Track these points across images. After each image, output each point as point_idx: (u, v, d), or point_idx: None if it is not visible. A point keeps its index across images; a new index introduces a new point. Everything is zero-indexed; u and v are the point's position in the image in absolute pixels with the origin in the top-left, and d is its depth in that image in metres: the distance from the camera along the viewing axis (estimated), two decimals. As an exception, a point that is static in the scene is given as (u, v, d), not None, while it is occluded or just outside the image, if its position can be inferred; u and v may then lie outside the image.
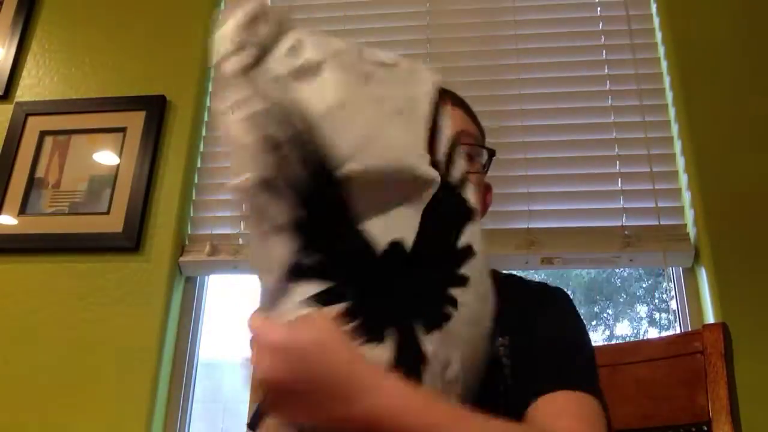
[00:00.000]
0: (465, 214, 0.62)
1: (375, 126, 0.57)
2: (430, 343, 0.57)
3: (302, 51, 0.57)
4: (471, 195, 0.63)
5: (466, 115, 0.90)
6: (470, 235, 0.61)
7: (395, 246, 0.57)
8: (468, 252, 0.61)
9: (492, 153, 0.88)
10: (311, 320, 0.54)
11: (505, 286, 0.83)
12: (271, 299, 0.57)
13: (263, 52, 0.57)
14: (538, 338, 0.73)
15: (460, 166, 0.63)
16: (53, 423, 1.45)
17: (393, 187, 0.57)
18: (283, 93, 0.55)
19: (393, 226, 0.57)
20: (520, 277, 0.88)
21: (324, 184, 0.55)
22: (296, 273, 0.55)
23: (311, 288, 0.55)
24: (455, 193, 0.61)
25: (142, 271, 1.57)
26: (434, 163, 0.60)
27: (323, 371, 0.53)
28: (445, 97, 0.71)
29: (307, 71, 0.56)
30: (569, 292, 0.85)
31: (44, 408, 1.46)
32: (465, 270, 0.60)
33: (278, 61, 0.56)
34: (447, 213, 0.60)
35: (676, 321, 1.53)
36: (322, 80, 0.56)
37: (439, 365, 0.57)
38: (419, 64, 0.68)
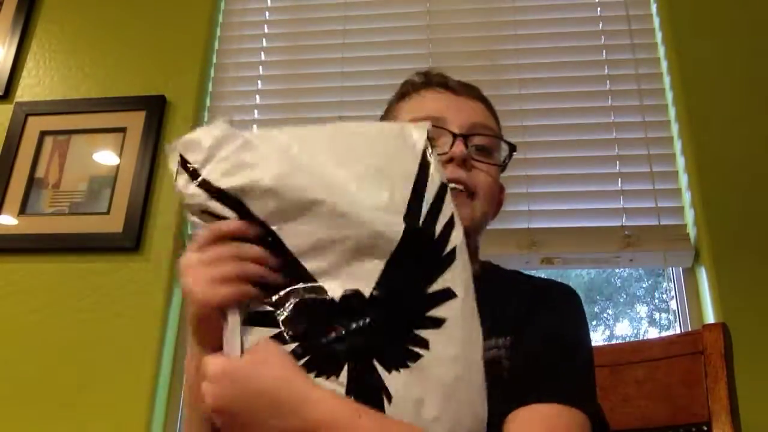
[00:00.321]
0: (443, 262, 0.63)
1: (329, 185, 0.62)
2: (393, 381, 0.59)
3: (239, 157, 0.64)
4: (456, 236, 0.64)
5: (486, 109, 0.88)
6: (449, 280, 0.62)
7: (351, 295, 0.60)
8: (443, 295, 0.62)
9: (513, 148, 0.87)
10: (252, 348, 0.59)
11: (509, 282, 0.82)
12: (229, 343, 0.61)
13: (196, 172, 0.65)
14: (533, 342, 0.72)
15: (445, 216, 0.64)
16: (53, 423, 1.45)
17: (352, 243, 0.61)
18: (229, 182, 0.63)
19: (352, 278, 0.61)
20: (527, 275, 0.87)
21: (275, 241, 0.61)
22: (251, 320, 0.60)
23: (264, 332, 0.60)
24: (433, 241, 0.63)
25: (142, 271, 1.57)
26: (413, 215, 0.62)
27: (256, 389, 0.57)
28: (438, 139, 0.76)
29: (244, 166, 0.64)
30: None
31: (44, 408, 1.46)
32: (439, 312, 0.61)
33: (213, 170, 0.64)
34: (417, 263, 0.62)
35: (676, 321, 1.53)
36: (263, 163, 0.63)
37: (411, 404, 0.58)
38: (407, 125, 0.71)
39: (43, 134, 1.73)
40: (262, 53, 1.83)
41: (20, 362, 1.51)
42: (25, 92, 1.81)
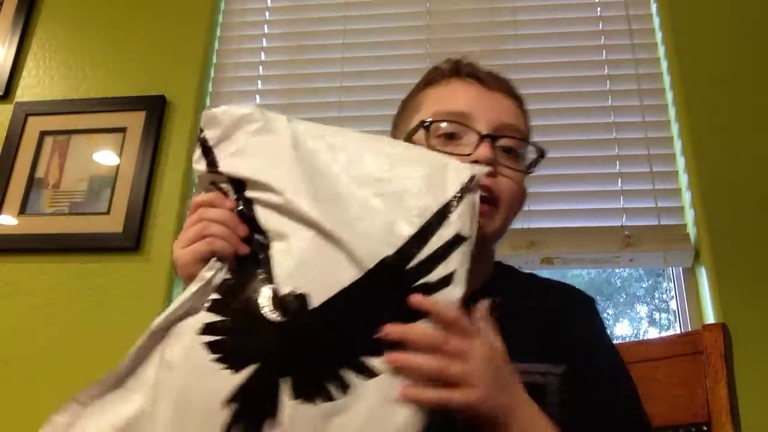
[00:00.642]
0: (411, 314, 0.56)
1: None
2: (289, 409, 0.52)
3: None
4: (450, 293, 0.57)
5: (517, 108, 0.82)
6: (391, 331, 0.55)
7: (296, 297, 0.56)
8: (378, 346, 0.54)
9: (541, 153, 0.81)
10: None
11: (529, 292, 0.81)
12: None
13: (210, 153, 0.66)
14: (593, 372, 0.72)
15: (445, 269, 0.58)
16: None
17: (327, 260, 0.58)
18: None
19: (305, 282, 0.57)
20: (542, 281, 0.85)
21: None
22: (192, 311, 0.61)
23: (201, 319, 0.59)
24: (411, 289, 0.56)
25: (142, 271, 1.57)
26: (404, 254, 0.57)
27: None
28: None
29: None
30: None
31: (44, 408, 1.46)
32: (377, 363, 0.54)
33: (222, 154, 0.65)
34: (382, 302, 0.56)
35: (676, 321, 1.53)
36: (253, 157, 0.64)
37: None
38: (453, 162, 0.66)
39: (43, 134, 1.73)
40: (262, 53, 1.83)
41: (20, 362, 1.51)
42: (25, 92, 1.81)
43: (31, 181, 1.68)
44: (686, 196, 1.52)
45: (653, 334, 2.27)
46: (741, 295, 1.38)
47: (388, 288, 0.57)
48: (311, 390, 0.53)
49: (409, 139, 0.78)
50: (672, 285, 1.57)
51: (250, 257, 0.61)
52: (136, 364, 0.67)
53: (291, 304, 0.56)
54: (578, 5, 1.77)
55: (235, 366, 0.54)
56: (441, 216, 0.59)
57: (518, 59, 1.71)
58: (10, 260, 1.62)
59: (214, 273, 0.61)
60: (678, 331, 1.50)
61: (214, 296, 0.60)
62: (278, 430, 0.52)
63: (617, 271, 2.21)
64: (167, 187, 1.64)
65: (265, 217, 0.62)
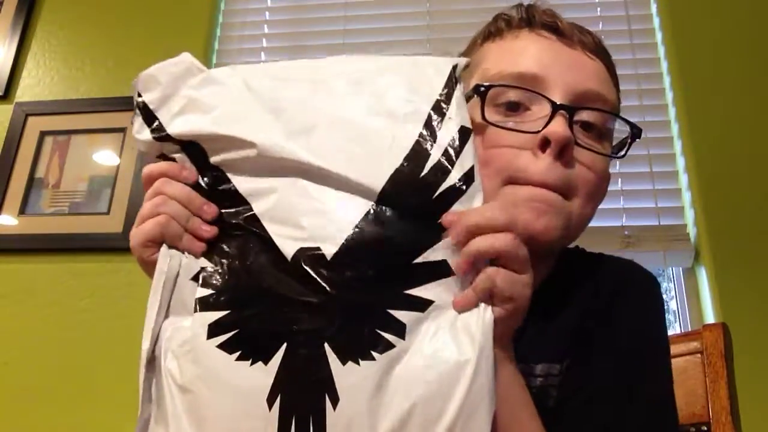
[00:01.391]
0: (430, 228, 0.49)
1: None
2: (346, 376, 0.45)
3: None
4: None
5: (607, 71, 0.64)
6: (447, 252, 0.48)
7: (308, 254, 0.48)
8: (435, 270, 0.48)
9: (637, 132, 0.64)
10: None
11: (578, 278, 0.64)
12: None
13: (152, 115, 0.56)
14: (599, 362, 0.58)
15: (461, 169, 0.50)
16: (53, 423, 1.45)
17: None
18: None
19: (315, 236, 0.49)
20: (601, 257, 0.69)
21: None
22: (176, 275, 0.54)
23: (199, 324, 0.51)
24: (433, 200, 0.49)
25: (142, 271, 1.56)
26: (412, 163, 0.50)
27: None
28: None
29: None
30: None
31: (44, 408, 1.46)
32: (427, 292, 0.48)
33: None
34: (406, 224, 0.49)
35: (676, 321, 1.53)
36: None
37: (365, 413, 0.45)
38: (430, 58, 0.59)
39: (43, 134, 1.73)
40: (262, 53, 1.83)
41: (20, 362, 1.51)
42: (25, 92, 1.81)
43: (31, 181, 1.68)
44: (686, 196, 1.52)
45: (653, 334, 2.27)
46: (741, 295, 1.38)
47: (408, 205, 0.49)
48: (362, 346, 0.46)
49: (482, 96, 0.62)
50: (672, 285, 1.57)
51: (230, 234, 0.52)
52: (150, 400, 0.58)
53: (305, 262, 0.48)
54: (578, 5, 1.77)
55: (262, 356, 0.47)
56: (438, 114, 0.52)
57: (518, 59, 1.71)
58: (10, 260, 1.62)
59: (169, 261, 0.53)
60: (678, 331, 1.50)
61: (202, 292, 0.51)
62: (340, 407, 0.45)
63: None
64: (167, 187, 1.64)
65: (238, 181, 0.53)
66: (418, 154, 0.50)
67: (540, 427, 0.52)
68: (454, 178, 0.49)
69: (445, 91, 0.53)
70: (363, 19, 1.83)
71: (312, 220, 0.49)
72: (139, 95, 0.57)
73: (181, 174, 0.53)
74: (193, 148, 0.54)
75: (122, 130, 1.70)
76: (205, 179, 0.54)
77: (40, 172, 1.69)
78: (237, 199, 0.53)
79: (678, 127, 1.57)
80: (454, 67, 0.55)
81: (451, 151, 0.50)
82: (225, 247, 0.52)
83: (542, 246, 0.57)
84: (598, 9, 1.75)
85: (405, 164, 0.50)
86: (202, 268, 0.52)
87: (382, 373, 0.45)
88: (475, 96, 0.60)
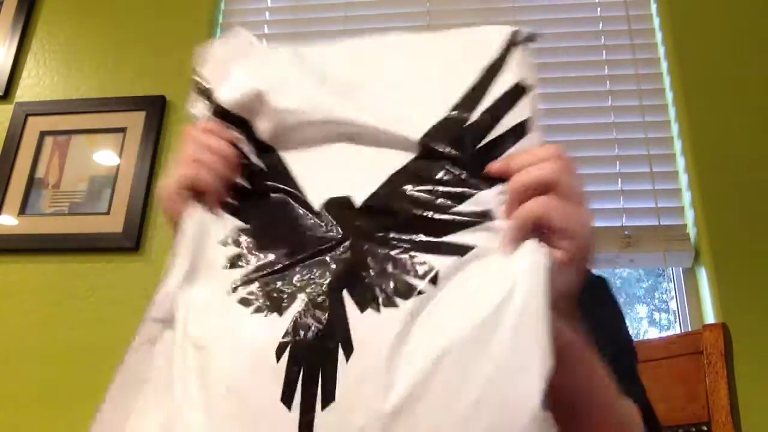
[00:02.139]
0: (473, 185, 0.46)
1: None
2: (363, 324, 0.42)
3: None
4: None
5: None
6: (491, 199, 0.45)
7: (337, 202, 0.47)
8: (478, 214, 0.45)
9: None
10: None
11: None
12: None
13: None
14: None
15: (513, 119, 0.48)
16: (53, 423, 1.45)
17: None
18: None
19: (345, 185, 0.48)
20: None
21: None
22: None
23: (225, 280, 0.49)
24: (485, 146, 0.47)
25: (142, 271, 1.57)
26: (460, 110, 0.48)
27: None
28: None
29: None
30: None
31: (44, 408, 1.46)
32: (466, 237, 0.44)
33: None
34: (450, 166, 0.47)
35: (676, 321, 1.53)
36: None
37: (382, 366, 0.40)
38: (484, 27, 0.55)
39: (43, 134, 1.73)
40: (262, 53, 1.83)
41: (20, 363, 1.51)
42: (25, 92, 1.81)
43: (31, 181, 1.68)
44: (686, 196, 1.52)
45: (653, 334, 2.27)
46: (741, 295, 1.38)
47: (450, 155, 0.46)
48: (385, 293, 0.43)
49: None
50: (672, 285, 1.57)
51: (263, 195, 0.52)
52: (145, 358, 0.54)
53: (329, 211, 0.47)
54: (578, 5, 1.76)
55: (277, 308, 0.44)
56: (493, 69, 0.49)
57: (518, 59, 1.71)
58: (10, 260, 1.62)
59: (195, 221, 0.52)
60: (678, 331, 1.50)
61: (228, 252, 0.50)
62: (353, 359, 0.41)
63: (617, 271, 2.21)
64: (167, 187, 1.64)
65: (281, 152, 0.53)
66: (464, 106, 0.48)
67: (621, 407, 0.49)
68: (500, 129, 0.47)
69: (502, 51, 0.51)
70: (363, 20, 1.83)
71: (346, 175, 0.48)
72: (196, 71, 0.57)
73: (224, 132, 0.53)
74: (242, 125, 0.54)
75: (122, 130, 1.70)
76: (247, 149, 0.53)
77: (40, 172, 1.70)
78: (275, 163, 0.52)
79: (678, 127, 1.57)
80: (514, 33, 0.54)
81: (502, 104, 0.48)
82: (256, 207, 0.51)
83: None
84: (598, 9, 1.75)
85: (449, 115, 0.48)
86: (231, 230, 0.51)
87: (406, 321, 0.41)
88: None
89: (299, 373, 0.42)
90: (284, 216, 0.49)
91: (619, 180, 1.56)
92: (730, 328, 0.85)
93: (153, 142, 1.66)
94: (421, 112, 0.48)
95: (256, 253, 0.49)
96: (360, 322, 0.42)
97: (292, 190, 0.50)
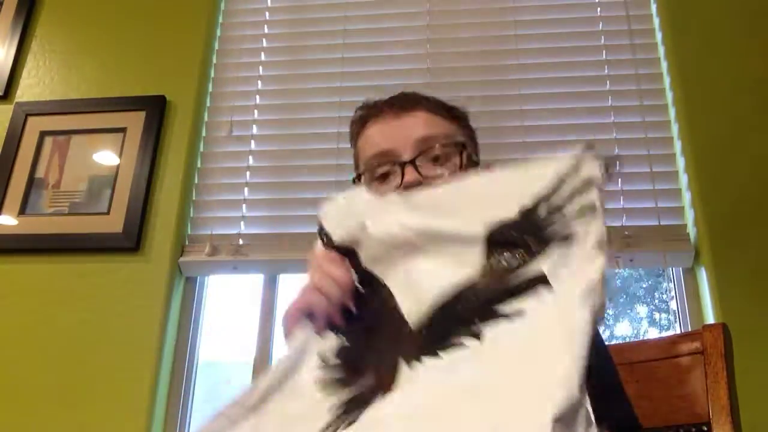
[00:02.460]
0: (547, 241, 0.55)
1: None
2: (407, 374, 0.52)
3: None
4: (593, 228, 0.54)
5: (429, 114, 0.84)
6: (531, 273, 0.54)
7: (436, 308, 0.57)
8: (531, 282, 0.52)
9: (461, 146, 0.82)
10: None
11: None
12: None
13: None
14: None
15: (579, 202, 0.56)
16: (53, 423, 1.45)
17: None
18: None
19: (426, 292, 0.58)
20: None
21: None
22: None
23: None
24: (544, 220, 0.56)
25: (142, 271, 1.57)
26: (536, 206, 0.57)
27: None
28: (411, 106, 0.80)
29: None
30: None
31: (44, 408, 1.46)
32: (519, 303, 0.52)
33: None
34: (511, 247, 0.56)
35: (676, 321, 1.53)
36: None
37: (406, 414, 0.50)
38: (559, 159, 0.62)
39: (43, 134, 1.73)
40: (262, 53, 1.83)
41: (20, 362, 1.51)
42: (25, 92, 1.81)
43: (31, 181, 1.68)
44: (686, 197, 1.52)
45: (653, 334, 2.27)
46: (741, 295, 1.38)
47: (514, 241, 0.55)
48: (431, 350, 0.52)
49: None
50: (672, 285, 1.57)
51: (363, 313, 0.63)
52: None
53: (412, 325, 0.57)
54: (578, 5, 1.77)
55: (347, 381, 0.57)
56: (566, 175, 0.57)
57: (518, 59, 1.71)
58: (10, 260, 1.62)
59: (304, 336, 0.62)
60: (678, 331, 1.50)
61: (334, 361, 0.61)
62: (389, 394, 0.51)
63: (617, 271, 2.21)
64: (167, 187, 1.64)
65: (378, 272, 0.64)
66: (533, 207, 0.57)
67: None
68: (571, 210, 0.55)
69: (573, 164, 0.58)
70: (363, 20, 1.83)
71: (431, 282, 0.58)
72: (319, 224, 0.70)
73: (342, 262, 0.65)
74: (351, 255, 0.66)
75: (122, 130, 1.70)
76: (356, 276, 0.65)
77: (40, 172, 1.70)
78: (375, 287, 0.63)
79: (678, 127, 1.57)
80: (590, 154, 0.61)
81: (575, 192, 0.56)
82: (358, 327, 0.62)
83: None
84: (598, 9, 1.75)
85: (520, 211, 0.57)
86: (331, 349, 0.61)
87: (447, 370, 0.49)
88: (359, 182, 0.83)
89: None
90: (380, 335, 0.59)
91: (619, 180, 1.56)
92: (730, 328, 0.85)
93: (153, 142, 1.66)
94: (492, 215, 0.58)
95: (349, 377, 0.58)
96: (405, 373, 0.53)
97: (389, 308, 0.60)
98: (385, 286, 0.62)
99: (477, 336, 0.51)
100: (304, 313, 0.64)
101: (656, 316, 2.27)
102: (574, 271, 0.52)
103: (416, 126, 0.82)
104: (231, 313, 1.78)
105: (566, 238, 0.54)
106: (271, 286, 1.63)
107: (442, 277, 0.57)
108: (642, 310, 2.32)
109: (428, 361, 0.51)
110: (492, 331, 0.51)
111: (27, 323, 1.55)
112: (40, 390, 1.48)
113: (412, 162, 0.78)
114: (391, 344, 0.57)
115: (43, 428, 1.45)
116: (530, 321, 0.50)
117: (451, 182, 0.67)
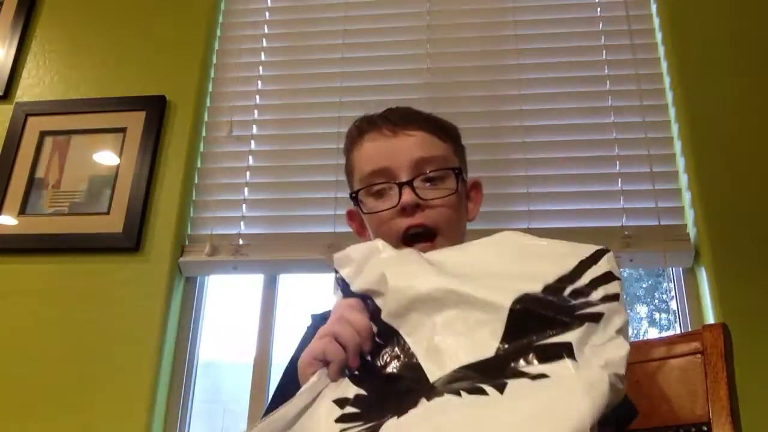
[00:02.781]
0: (572, 320, 0.58)
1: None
2: (426, 406, 0.54)
3: None
4: (614, 312, 0.59)
5: (428, 134, 0.86)
6: (556, 342, 0.56)
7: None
8: (554, 350, 0.55)
9: (458, 171, 0.85)
10: None
11: None
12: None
13: None
14: None
15: (602, 291, 0.60)
16: (53, 423, 1.45)
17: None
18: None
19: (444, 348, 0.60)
20: None
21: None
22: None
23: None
24: (570, 306, 0.59)
25: (142, 271, 1.57)
26: (555, 285, 0.60)
27: None
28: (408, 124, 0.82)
29: None
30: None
31: (44, 408, 1.46)
32: (541, 369, 0.54)
33: None
34: (534, 326, 0.58)
35: (676, 321, 1.53)
36: None
37: None
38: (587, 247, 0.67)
39: (43, 134, 1.73)
40: (262, 53, 1.83)
41: (20, 362, 1.51)
42: (25, 92, 1.81)
43: (31, 181, 1.68)
44: (686, 197, 1.52)
45: (653, 334, 2.27)
46: (741, 295, 1.38)
47: (537, 315, 0.58)
48: (454, 389, 0.54)
49: (356, 203, 0.87)
50: (672, 285, 1.57)
51: (382, 363, 0.63)
52: None
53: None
54: (578, 5, 1.77)
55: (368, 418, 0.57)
56: (586, 264, 0.62)
57: (518, 59, 1.71)
58: (10, 260, 1.62)
59: (317, 381, 0.63)
60: (678, 331, 1.50)
61: (351, 410, 0.61)
62: (401, 416, 0.54)
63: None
64: (167, 187, 1.64)
65: (397, 324, 0.64)
66: (558, 284, 0.60)
67: None
68: (594, 297, 0.59)
69: (594, 254, 0.64)
70: (363, 20, 1.83)
71: (452, 340, 0.60)
72: (336, 271, 0.71)
73: (363, 310, 0.66)
74: (370, 303, 0.67)
75: (122, 130, 1.70)
76: (375, 328, 0.65)
77: (40, 172, 1.70)
78: (393, 337, 0.64)
79: (678, 127, 1.57)
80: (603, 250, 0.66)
81: (596, 282, 0.61)
82: (373, 377, 0.62)
83: None
84: (598, 9, 1.75)
85: (544, 287, 0.60)
86: (343, 397, 0.61)
87: (464, 404, 0.52)
88: (356, 199, 0.87)
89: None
90: (399, 384, 0.60)
91: (619, 180, 1.56)
92: (730, 328, 0.85)
93: (153, 142, 1.67)
94: (518, 287, 0.60)
95: (367, 424, 0.58)
96: (424, 405, 0.54)
97: (410, 361, 0.60)
98: (405, 342, 0.63)
99: (499, 388, 0.53)
100: (320, 360, 0.64)
101: (656, 316, 2.28)
102: (598, 349, 0.56)
103: (413, 146, 0.84)
104: (231, 313, 1.78)
105: (591, 319, 0.57)
106: (270, 286, 1.63)
107: (466, 348, 0.59)
108: (642, 310, 2.32)
109: (448, 396, 0.54)
110: (514, 384, 0.53)
111: (27, 323, 1.55)
112: (40, 390, 1.48)
113: (410, 183, 0.82)
114: (410, 392, 0.58)
115: (43, 428, 1.45)
116: (553, 384, 0.53)
117: (473, 247, 0.69)
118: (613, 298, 0.60)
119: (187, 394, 1.55)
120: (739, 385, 0.82)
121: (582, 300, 0.59)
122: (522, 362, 0.55)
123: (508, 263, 0.65)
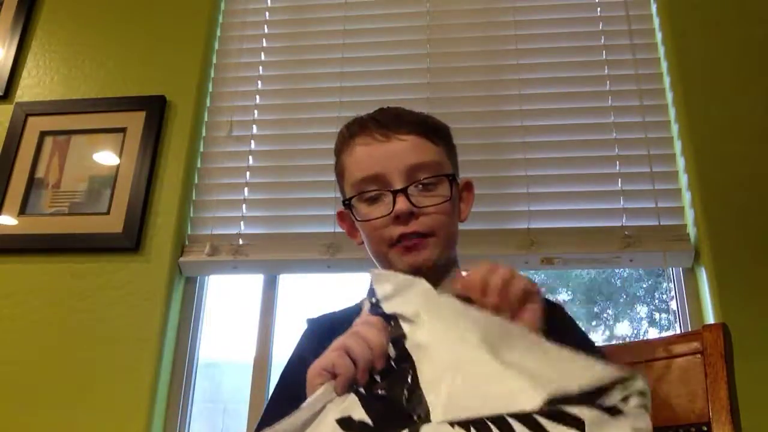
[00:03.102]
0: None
1: None
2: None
3: None
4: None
5: (420, 138, 0.85)
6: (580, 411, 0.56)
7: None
8: (568, 418, 0.55)
9: (451, 177, 0.85)
10: None
11: None
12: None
13: None
14: None
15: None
16: (53, 423, 1.45)
17: None
18: None
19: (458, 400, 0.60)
20: None
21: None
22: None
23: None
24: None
25: (142, 271, 1.57)
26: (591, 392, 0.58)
27: None
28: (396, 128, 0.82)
29: None
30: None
31: (44, 408, 1.46)
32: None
33: None
34: None
35: (676, 321, 1.53)
36: None
37: None
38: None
39: (43, 134, 1.73)
40: (262, 53, 1.83)
41: (20, 362, 1.51)
42: (25, 92, 1.81)
43: (31, 181, 1.68)
44: (686, 197, 1.52)
45: (653, 334, 2.27)
46: (741, 295, 1.38)
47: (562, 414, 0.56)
48: (466, 426, 0.55)
49: (348, 208, 0.87)
50: (672, 285, 1.57)
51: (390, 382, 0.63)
52: None
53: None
54: (578, 5, 1.77)
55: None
56: (618, 381, 0.59)
57: (518, 59, 1.71)
58: (10, 260, 1.62)
59: (322, 393, 0.62)
60: (678, 331, 1.50)
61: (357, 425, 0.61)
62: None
63: (617, 271, 2.21)
64: (167, 187, 1.64)
65: (410, 346, 0.65)
66: (591, 393, 0.58)
67: None
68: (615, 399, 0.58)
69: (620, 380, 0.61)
70: (363, 20, 1.83)
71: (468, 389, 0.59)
72: (371, 284, 0.71)
73: (382, 329, 0.65)
74: (394, 323, 0.67)
75: (122, 130, 1.70)
76: (394, 352, 0.65)
77: (40, 172, 1.70)
78: (406, 367, 0.63)
79: (678, 127, 1.57)
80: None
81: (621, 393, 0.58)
82: (377, 399, 0.62)
83: (431, 268, 0.81)
84: (598, 9, 1.75)
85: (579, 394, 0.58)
86: (343, 414, 0.61)
87: None
88: (350, 207, 0.87)
89: None
90: (398, 413, 0.60)
91: (619, 180, 1.56)
92: (730, 328, 0.85)
93: (153, 142, 1.67)
94: (555, 384, 0.58)
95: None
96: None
97: (416, 392, 0.61)
98: (416, 376, 0.62)
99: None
100: (329, 372, 0.64)
101: (656, 316, 2.27)
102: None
103: (406, 152, 0.83)
104: (231, 313, 1.78)
105: (612, 412, 0.56)
106: (270, 286, 1.63)
107: (485, 400, 0.58)
108: (642, 310, 2.32)
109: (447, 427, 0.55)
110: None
111: (27, 323, 1.55)
112: (40, 390, 1.48)
113: (404, 191, 0.81)
114: (410, 420, 0.58)
115: (43, 428, 1.45)
116: None
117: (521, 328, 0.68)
118: (645, 408, 0.59)
119: (187, 394, 1.55)
120: (739, 385, 0.82)
121: (615, 406, 0.58)
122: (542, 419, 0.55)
123: (553, 356, 0.62)
